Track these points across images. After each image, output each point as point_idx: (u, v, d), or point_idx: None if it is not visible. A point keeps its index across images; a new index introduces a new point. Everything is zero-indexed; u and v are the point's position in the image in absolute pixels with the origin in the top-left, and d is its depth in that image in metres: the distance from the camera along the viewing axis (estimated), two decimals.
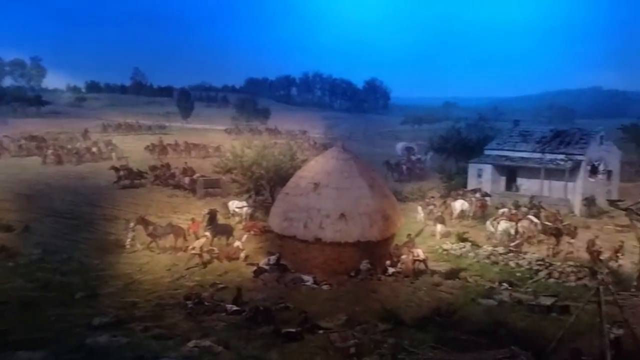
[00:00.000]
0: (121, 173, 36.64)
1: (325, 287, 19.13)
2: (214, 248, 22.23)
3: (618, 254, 21.11)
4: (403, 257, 20.90)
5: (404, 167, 46.22)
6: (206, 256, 21.39)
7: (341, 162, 21.92)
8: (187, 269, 20.57)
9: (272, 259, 20.73)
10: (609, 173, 34.24)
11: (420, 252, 21.01)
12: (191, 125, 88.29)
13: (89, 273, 19.81)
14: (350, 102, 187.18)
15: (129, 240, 23.16)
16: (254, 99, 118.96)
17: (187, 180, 35.43)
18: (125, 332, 13.98)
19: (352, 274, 20.01)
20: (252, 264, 21.06)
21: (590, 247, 21.81)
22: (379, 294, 18.42)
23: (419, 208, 29.31)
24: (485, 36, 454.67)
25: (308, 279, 19.50)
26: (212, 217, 25.12)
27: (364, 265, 20.02)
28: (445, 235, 25.80)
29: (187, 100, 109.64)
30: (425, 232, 26.42)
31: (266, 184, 30.48)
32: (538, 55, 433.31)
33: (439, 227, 26.03)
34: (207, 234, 23.13)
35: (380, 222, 20.81)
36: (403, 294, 18.53)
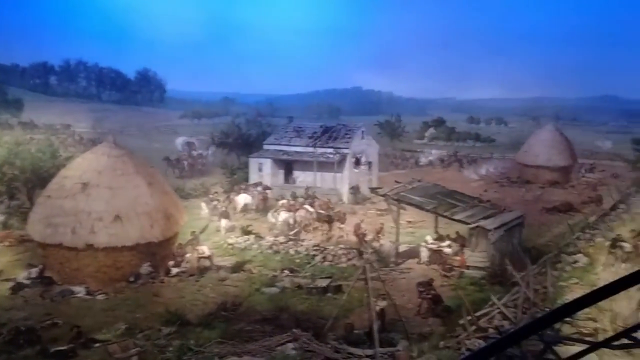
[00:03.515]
0: None
1: (100, 296, 17.72)
2: None
3: (379, 235, 24.01)
4: (187, 255, 20.45)
5: (185, 162, 45.23)
6: None
7: (113, 159, 20.29)
8: None
9: (34, 271, 18.54)
10: (369, 164, 38.71)
11: (205, 249, 20.86)
12: None
13: None
14: (121, 94, 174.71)
15: None
16: (1, 88, 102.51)
17: None
18: None
19: (132, 279, 18.84)
20: (9, 280, 18.52)
21: (357, 231, 24.37)
22: (162, 297, 17.77)
23: (203, 204, 29.03)
24: (259, 34, 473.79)
25: (79, 290, 17.88)
26: None
27: (145, 268, 18.96)
28: (230, 229, 25.98)
29: None
30: (210, 228, 26.23)
31: (22, 186, 26.97)
32: (308, 56, 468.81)
33: (224, 222, 26.09)
34: None
35: (161, 222, 19.89)
36: (188, 293, 18.18)
